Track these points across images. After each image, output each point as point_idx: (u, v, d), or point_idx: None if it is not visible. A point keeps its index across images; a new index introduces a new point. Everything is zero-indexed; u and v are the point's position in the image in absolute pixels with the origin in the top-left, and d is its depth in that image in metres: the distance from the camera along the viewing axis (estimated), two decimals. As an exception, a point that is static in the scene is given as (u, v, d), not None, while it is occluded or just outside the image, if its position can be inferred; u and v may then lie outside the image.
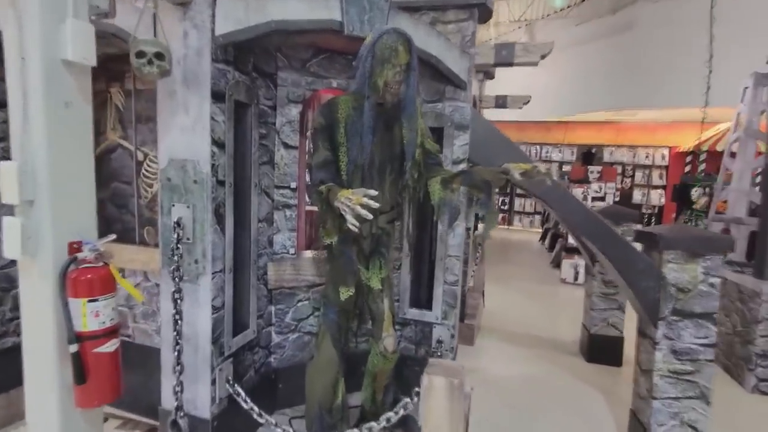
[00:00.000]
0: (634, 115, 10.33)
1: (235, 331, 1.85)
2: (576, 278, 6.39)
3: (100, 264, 1.23)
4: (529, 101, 4.86)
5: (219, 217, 1.70)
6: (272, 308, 2.16)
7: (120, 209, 2.21)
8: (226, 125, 1.70)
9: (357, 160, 1.74)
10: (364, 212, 1.31)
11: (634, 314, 4.05)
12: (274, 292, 2.15)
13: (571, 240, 6.62)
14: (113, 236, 1.30)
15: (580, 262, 6.45)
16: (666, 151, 10.96)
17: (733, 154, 4.17)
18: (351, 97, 1.76)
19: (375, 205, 1.32)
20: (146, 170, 2.15)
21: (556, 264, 7.05)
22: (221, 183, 1.71)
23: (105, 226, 2.21)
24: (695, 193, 9.23)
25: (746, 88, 3.98)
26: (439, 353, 2.31)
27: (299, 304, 2.23)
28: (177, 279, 1.64)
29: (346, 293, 1.73)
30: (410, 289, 2.41)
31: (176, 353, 1.67)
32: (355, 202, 1.34)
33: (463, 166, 2.21)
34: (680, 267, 2.07)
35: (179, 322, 1.67)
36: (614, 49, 9.26)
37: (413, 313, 2.41)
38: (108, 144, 2.21)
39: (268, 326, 2.16)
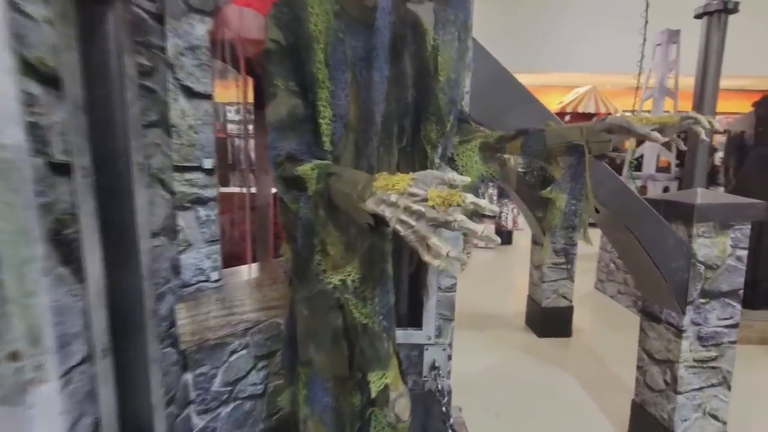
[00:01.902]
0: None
1: (127, 454, 0.95)
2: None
3: None
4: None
5: (65, 248, 0.76)
6: (189, 378, 1.27)
7: None
8: (59, 32, 0.73)
9: (345, 114, 0.94)
10: (481, 229, 0.56)
11: (583, 281, 4.01)
12: (189, 350, 1.25)
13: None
14: None
15: (490, 226, 6.46)
16: (536, 114, 11.81)
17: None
18: (330, -5, 0.94)
19: (494, 210, 0.58)
20: None
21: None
22: (60, 169, 0.75)
23: None
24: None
25: (658, 45, 4.06)
26: (438, 385, 1.69)
27: (233, 357, 1.37)
28: (-34, 404, 0.68)
29: (379, 381, 0.97)
30: (390, 303, 1.72)
31: None
32: (444, 205, 0.58)
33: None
34: (711, 241, 1.76)
35: (-13, 494, 0.72)
36: (493, 12, 9.35)
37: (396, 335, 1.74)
38: None
39: (185, 408, 1.27)
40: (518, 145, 1.06)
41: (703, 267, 1.77)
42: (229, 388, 1.38)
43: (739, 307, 1.82)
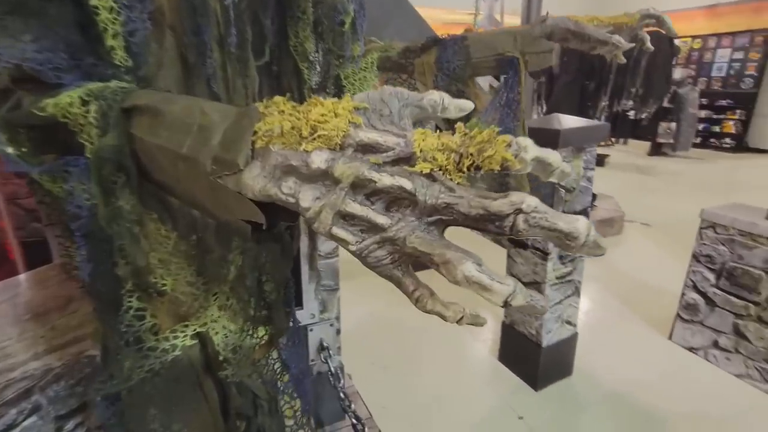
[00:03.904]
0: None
1: None
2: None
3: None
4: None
5: None
6: None
7: None
8: None
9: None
10: (585, 232, 0.24)
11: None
12: None
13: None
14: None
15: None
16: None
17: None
18: None
19: (569, 170, 0.27)
20: None
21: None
22: None
23: None
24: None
25: (485, -26, 4.13)
26: (330, 368, 1.43)
27: (11, 435, 0.83)
28: None
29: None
30: (258, 286, 1.33)
31: None
32: (460, 170, 0.24)
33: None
34: (569, 165, 1.83)
35: None
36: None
37: (270, 322, 1.38)
38: None
39: None
40: (431, 60, 0.76)
41: (563, 191, 1.84)
42: (16, 482, 0.85)
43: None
